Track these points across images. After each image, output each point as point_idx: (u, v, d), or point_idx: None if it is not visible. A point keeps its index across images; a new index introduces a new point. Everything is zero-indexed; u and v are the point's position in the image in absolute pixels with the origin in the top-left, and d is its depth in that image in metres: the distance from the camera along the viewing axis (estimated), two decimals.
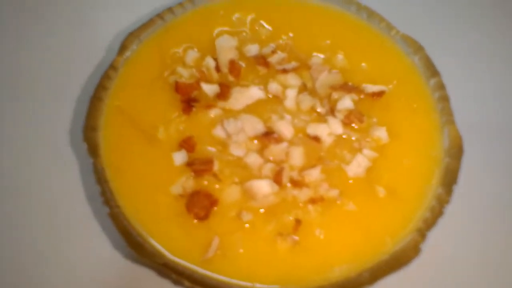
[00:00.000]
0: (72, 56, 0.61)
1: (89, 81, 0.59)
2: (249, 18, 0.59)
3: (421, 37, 0.58)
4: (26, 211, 0.53)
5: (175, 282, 0.44)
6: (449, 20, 0.68)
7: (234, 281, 0.43)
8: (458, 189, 0.49)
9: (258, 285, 0.43)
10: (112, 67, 0.54)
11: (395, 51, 0.58)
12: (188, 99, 0.53)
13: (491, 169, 0.58)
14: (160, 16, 0.58)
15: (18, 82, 0.60)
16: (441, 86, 0.55)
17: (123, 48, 0.55)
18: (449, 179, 0.49)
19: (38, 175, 0.55)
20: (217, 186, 0.49)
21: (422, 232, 0.47)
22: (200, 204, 0.47)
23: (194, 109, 0.53)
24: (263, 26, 0.59)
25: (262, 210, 0.48)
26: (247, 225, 0.47)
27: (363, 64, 0.57)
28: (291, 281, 0.44)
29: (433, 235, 0.47)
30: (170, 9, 0.58)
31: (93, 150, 0.49)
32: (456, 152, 0.51)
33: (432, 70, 0.56)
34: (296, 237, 0.46)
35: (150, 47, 0.56)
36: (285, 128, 0.51)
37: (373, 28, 0.59)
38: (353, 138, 0.52)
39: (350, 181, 0.50)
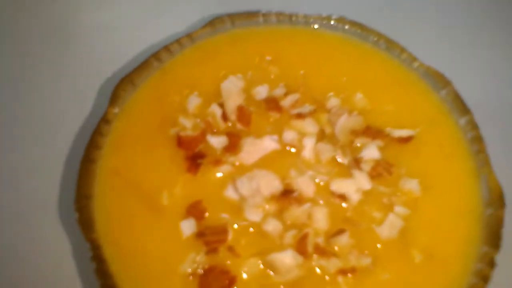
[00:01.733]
0: (54, 110, 0.53)
1: (77, 140, 0.51)
2: (254, 54, 0.53)
3: (446, 68, 0.52)
4: None
5: None
6: (475, 49, 0.62)
7: None
8: (505, 247, 0.43)
9: None
10: (104, 120, 0.47)
11: (419, 86, 0.53)
12: (193, 155, 0.47)
13: None
14: (155, 56, 0.51)
15: None
16: (473, 126, 0.49)
17: (115, 96, 0.48)
18: (494, 236, 0.44)
19: (22, 258, 0.46)
20: (229, 262, 0.42)
21: None
22: (217, 285, 0.41)
23: (200, 166, 0.46)
24: (271, 63, 0.53)
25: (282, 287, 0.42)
26: None
27: (385, 103, 0.51)
28: None
29: None
30: (166, 48, 0.52)
31: (86, 223, 0.42)
32: (497, 202, 0.45)
33: (462, 108, 0.50)
34: None
35: (146, 95, 0.50)
36: (306, 185, 0.45)
37: (394, 61, 0.54)
38: (381, 192, 0.46)
39: (378, 245, 0.44)
